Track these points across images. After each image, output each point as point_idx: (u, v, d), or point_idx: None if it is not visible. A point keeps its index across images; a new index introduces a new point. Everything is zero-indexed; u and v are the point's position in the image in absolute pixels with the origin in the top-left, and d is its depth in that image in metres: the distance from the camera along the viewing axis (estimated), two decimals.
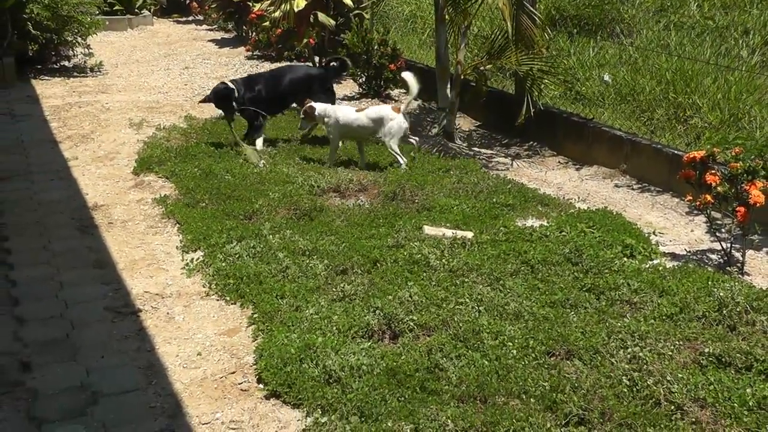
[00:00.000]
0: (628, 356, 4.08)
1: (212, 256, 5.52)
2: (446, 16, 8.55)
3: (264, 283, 5.06)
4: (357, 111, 7.59)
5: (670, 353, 4.10)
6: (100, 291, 5.20)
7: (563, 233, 5.74)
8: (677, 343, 4.20)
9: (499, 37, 8.34)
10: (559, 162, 8.16)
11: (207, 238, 5.81)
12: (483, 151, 8.58)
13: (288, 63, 11.84)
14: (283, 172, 7.23)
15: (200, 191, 6.73)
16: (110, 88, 11.22)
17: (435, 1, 8.69)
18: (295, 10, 10.79)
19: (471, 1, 8.10)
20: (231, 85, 8.19)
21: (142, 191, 7.06)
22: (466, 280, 5.02)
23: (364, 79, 10.71)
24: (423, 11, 13.50)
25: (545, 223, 6.03)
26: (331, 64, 8.83)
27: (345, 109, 7.72)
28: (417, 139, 7.89)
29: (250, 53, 13.93)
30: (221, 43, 15.36)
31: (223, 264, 5.37)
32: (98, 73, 12.25)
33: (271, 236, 5.71)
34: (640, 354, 4.07)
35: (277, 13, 11.24)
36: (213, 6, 16.13)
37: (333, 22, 11.38)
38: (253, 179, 7.05)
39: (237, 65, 13.05)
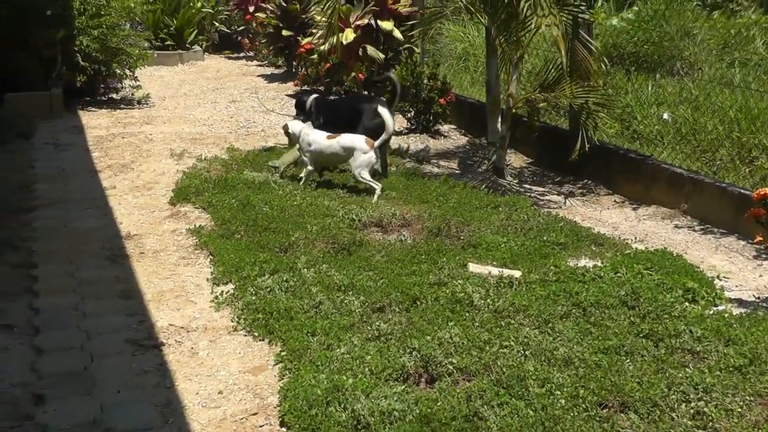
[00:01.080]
0: (691, 411, 3.69)
1: (243, 290, 5.25)
2: (498, 47, 8.29)
3: (295, 318, 4.78)
4: (329, 138, 7.53)
5: (740, 410, 3.69)
6: (123, 322, 4.96)
7: (618, 275, 5.36)
8: (747, 398, 3.79)
9: (552, 68, 8.04)
10: (614, 201, 7.78)
11: (239, 270, 5.56)
12: (534, 188, 8.24)
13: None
14: (324, 205, 6.98)
15: (236, 222, 6.50)
16: (155, 119, 11.14)
17: (486, 31, 8.44)
18: (344, 42, 10.62)
19: (524, 30, 7.80)
20: (308, 99, 8.57)
21: (177, 221, 6.85)
22: (512, 321, 4.67)
23: (412, 114, 10.47)
24: (476, 48, 13.24)
25: (599, 264, 5.66)
26: (378, 83, 8.61)
27: (318, 133, 7.65)
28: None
29: (298, 87, 13.80)
30: (270, 78, 15.31)
31: (254, 298, 5.10)
32: (145, 105, 12.22)
33: (305, 270, 5.44)
34: (705, 409, 3.68)
35: (325, 46, 11.09)
36: (263, 42, 16.11)
37: (382, 56, 11.19)
38: (291, 211, 6.80)
39: (285, 100, 12.93)
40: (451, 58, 14.34)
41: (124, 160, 8.83)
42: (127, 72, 12.15)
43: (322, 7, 10.04)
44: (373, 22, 11.15)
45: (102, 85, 12.35)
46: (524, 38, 8.00)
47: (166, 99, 12.89)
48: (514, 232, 6.31)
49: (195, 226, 6.62)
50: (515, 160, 9.31)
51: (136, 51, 12.07)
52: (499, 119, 8.43)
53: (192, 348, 4.65)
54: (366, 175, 7.30)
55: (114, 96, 12.54)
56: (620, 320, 4.70)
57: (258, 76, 15.66)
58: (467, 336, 4.44)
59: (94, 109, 11.80)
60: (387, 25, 11.16)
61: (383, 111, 7.72)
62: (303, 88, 13.67)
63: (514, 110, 8.26)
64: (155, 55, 14.66)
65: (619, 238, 6.52)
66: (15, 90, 10.72)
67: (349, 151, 7.39)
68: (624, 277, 5.31)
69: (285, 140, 9.87)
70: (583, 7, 7.82)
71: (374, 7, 11.07)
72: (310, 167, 7.69)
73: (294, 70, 15.19)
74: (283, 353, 4.46)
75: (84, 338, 4.74)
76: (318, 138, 7.62)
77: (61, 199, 7.41)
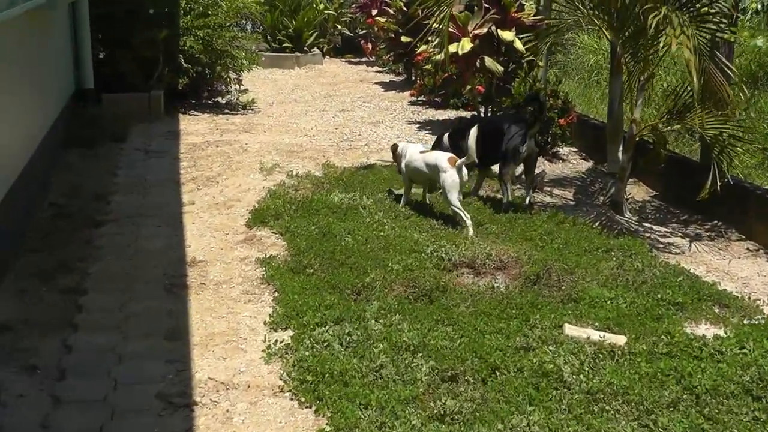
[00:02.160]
0: None
1: (299, 341, 4.65)
2: (622, 66, 7.42)
3: (349, 384, 4.13)
4: (421, 152, 7.01)
5: None
6: (160, 371, 4.43)
7: (744, 351, 4.48)
8: None
9: (684, 93, 7.12)
10: (747, 249, 6.79)
11: (300, 314, 4.97)
12: (655, 228, 7.31)
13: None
14: (413, 238, 6.32)
15: (311, 254, 5.92)
16: (256, 127, 10.75)
17: (611, 47, 7.59)
18: (460, 53, 9.96)
19: (653, 48, 6.91)
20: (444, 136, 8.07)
21: (250, 248, 6.33)
22: (607, 408, 3.89)
23: None
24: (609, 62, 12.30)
25: (721, 333, 4.79)
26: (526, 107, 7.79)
27: (414, 147, 7.20)
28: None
29: (415, 98, 13.20)
30: (387, 86, 14.76)
31: (308, 353, 4.48)
32: (249, 111, 11.86)
33: (373, 321, 4.80)
34: None
35: (439, 56, 10.45)
36: (383, 47, 15.59)
37: (501, 69, 10.44)
38: (375, 244, 6.18)
39: (398, 111, 12.34)
40: (582, 70, 13.45)
41: (210, 172, 8.41)
42: (232, 76, 11.79)
43: (436, 13, 9.43)
44: (493, 31, 10.44)
45: (207, 89, 12.05)
46: (653, 57, 7.12)
47: (273, 105, 12.52)
48: (625, 286, 5.48)
49: (266, 255, 6.08)
50: (638, 192, 8.38)
51: (243, 54, 11.70)
52: (620, 147, 7.56)
53: (228, 411, 4.07)
54: (454, 201, 6.61)
55: (219, 100, 12.25)
56: (741, 415, 3.87)
57: (375, 83, 15.14)
58: (549, 425, 3.70)
59: (195, 113, 11.52)
60: (508, 35, 10.41)
61: (472, 133, 7.40)
62: (418, 98, 13.08)
63: (637, 138, 7.36)
64: (263, 59, 14.30)
65: (749, 297, 5.57)
66: (115, 91, 10.53)
67: (433, 170, 6.76)
68: (750, 356, 4.42)
69: (387, 155, 9.36)
70: (723, 25, 6.87)
71: (495, 16, 10.34)
72: (405, 186, 7.21)
73: (413, 78, 14.61)
74: (328, 429, 3.82)
75: (110, 388, 4.24)
76: (410, 151, 7.12)
77: (134, 214, 7.02)
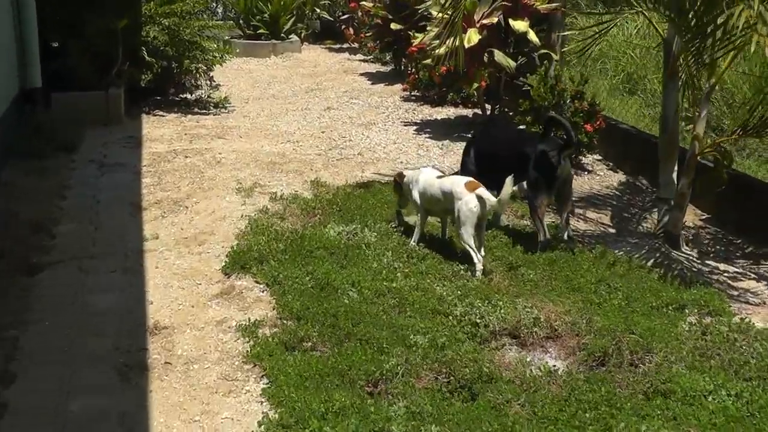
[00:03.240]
0: None
1: None
2: (681, 70, 6.16)
3: None
4: (438, 177, 5.88)
5: None
6: None
7: None
8: None
9: (761, 106, 5.91)
10: None
11: (301, 422, 3.68)
12: (722, 267, 6.08)
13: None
14: (434, 292, 5.07)
15: (308, 319, 4.66)
16: (230, 131, 9.40)
17: (665, 49, 6.34)
18: (466, 46, 8.66)
19: (727, 47, 5.64)
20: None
21: (228, 305, 5.05)
22: None
23: None
24: (642, 60, 11.08)
25: None
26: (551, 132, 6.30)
27: (429, 171, 6.04)
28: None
29: (407, 93, 11.89)
30: (375, 78, 13.41)
31: None
32: (222, 110, 10.50)
33: None
34: None
35: (441, 50, 9.14)
36: (368, 35, 14.23)
37: (513, 64, 9.19)
38: (388, 301, 4.93)
39: (390, 108, 11.03)
40: (584, 58, 12.21)
41: (178, 193, 7.08)
42: (202, 70, 10.41)
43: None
44: (502, 20, 9.17)
45: (173, 85, 10.66)
46: (722, 60, 5.87)
47: (249, 102, 11.16)
48: (720, 366, 4.28)
49: (250, 319, 4.78)
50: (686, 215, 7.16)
51: (214, 45, 10.33)
52: (676, 167, 6.34)
53: None
54: (465, 237, 5.44)
55: (188, 97, 10.84)
56: None
57: (361, 74, 13.77)
58: None
59: (161, 113, 10.14)
60: (521, 25, 9.16)
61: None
62: (411, 93, 11.77)
63: (698, 157, 6.13)
64: (237, 51, 12.88)
65: None
66: (66, 90, 9.12)
67: (448, 197, 5.60)
68: None
69: (384, 167, 8.08)
70: None
71: (505, 2, 9.07)
72: (417, 215, 5.94)
73: (403, 68, 13.30)
74: None
75: None
76: (426, 176, 5.92)
77: (82, 254, 5.71)
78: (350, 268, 5.35)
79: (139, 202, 6.88)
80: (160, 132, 9.22)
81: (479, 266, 5.37)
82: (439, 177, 5.79)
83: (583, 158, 8.60)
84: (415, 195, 5.83)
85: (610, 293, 5.11)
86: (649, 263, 5.85)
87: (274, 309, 4.93)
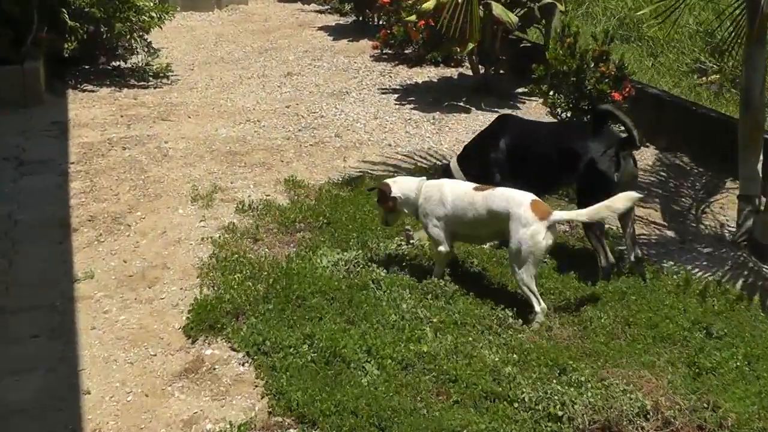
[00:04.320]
0: None
1: None
2: None
3: None
4: (475, 190, 4.39)
5: None
6: None
7: None
8: None
9: None
10: None
11: None
12: None
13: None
14: (483, 359, 3.72)
15: (317, 422, 3.27)
16: (176, 110, 7.84)
17: (748, 6, 4.99)
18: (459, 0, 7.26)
19: None
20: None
21: (198, 391, 3.65)
22: None
23: (569, 115, 7.03)
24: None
25: None
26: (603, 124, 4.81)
27: (454, 183, 4.56)
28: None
29: (378, 51, 10.37)
30: (336, 33, 11.79)
31: None
32: (164, 80, 8.90)
33: None
34: None
35: (429, 3, 7.70)
36: None
37: (515, 19, 7.79)
38: (422, 378, 3.57)
39: (362, 72, 9.51)
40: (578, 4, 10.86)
41: (117, 205, 5.60)
42: (137, 34, 8.80)
43: None
44: None
45: (104, 52, 9.03)
46: None
47: (194, 68, 9.57)
48: None
49: (231, 424, 3.38)
50: None
51: (150, 3, 8.72)
52: (761, 158, 5.04)
53: None
54: (526, 278, 4.07)
55: (122, 65, 9.21)
56: None
57: (319, 29, 12.12)
58: None
59: (91, 87, 8.50)
60: None
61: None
62: (383, 52, 10.28)
63: None
64: (177, 7, 11.12)
65: None
66: None
67: (500, 219, 4.14)
68: None
69: (371, 154, 6.69)
70: None
71: None
72: (442, 247, 4.43)
73: (369, 21, 11.78)
74: None
75: None
76: (456, 188, 4.44)
77: None
78: (360, 323, 3.96)
79: (68, 218, 5.39)
80: (90, 113, 7.63)
81: (541, 316, 4.05)
82: (478, 189, 4.38)
83: None
84: (432, 217, 4.42)
85: (720, 349, 3.80)
86: (738, 285, 4.57)
87: (263, 397, 3.54)
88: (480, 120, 7.58)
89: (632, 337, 3.96)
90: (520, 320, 4.06)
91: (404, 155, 6.70)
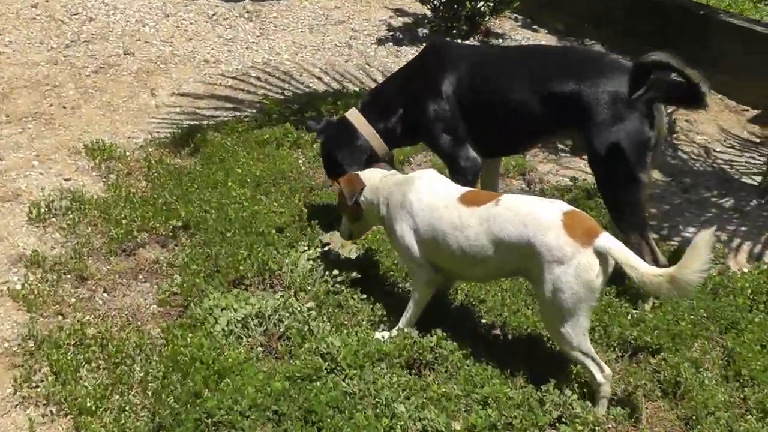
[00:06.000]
0: None
1: None
2: None
3: None
4: (464, 200, 2.76)
5: None
6: None
7: None
8: None
9: None
10: None
11: None
12: None
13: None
14: None
15: None
16: None
17: None
18: None
19: None
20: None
21: None
22: None
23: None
24: None
25: None
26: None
27: (436, 192, 2.82)
28: None
29: None
30: None
31: None
32: None
33: None
34: None
35: None
36: None
37: None
38: None
39: None
40: None
41: None
42: None
43: None
44: None
45: None
46: None
47: None
48: None
49: None
50: None
51: None
52: None
53: None
54: (573, 334, 2.54)
55: None
56: None
57: None
58: None
59: None
60: None
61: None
62: None
63: None
64: None
65: None
66: None
67: (518, 254, 2.58)
68: None
69: (190, 75, 4.82)
70: None
71: None
72: (417, 293, 2.84)
73: None
74: None
75: None
76: (432, 192, 2.79)
77: None
78: None
79: None
80: None
81: (606, 388, 2.56)
82: (470, 197, 2.73)
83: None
84: (409, 252, 2.78)
85: None
86: None
87: None
88: (320, 7, 5.80)
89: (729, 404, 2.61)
90: (588, 402, 2.55)
91: (235, 78, 4.85)
